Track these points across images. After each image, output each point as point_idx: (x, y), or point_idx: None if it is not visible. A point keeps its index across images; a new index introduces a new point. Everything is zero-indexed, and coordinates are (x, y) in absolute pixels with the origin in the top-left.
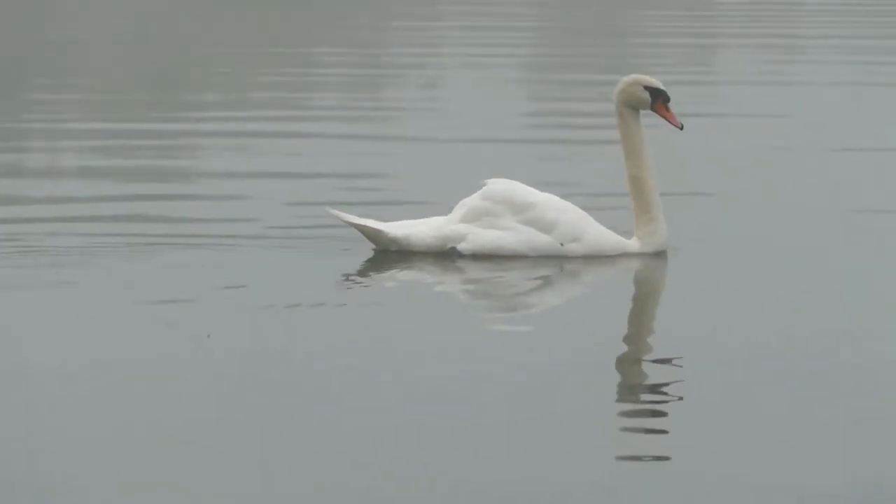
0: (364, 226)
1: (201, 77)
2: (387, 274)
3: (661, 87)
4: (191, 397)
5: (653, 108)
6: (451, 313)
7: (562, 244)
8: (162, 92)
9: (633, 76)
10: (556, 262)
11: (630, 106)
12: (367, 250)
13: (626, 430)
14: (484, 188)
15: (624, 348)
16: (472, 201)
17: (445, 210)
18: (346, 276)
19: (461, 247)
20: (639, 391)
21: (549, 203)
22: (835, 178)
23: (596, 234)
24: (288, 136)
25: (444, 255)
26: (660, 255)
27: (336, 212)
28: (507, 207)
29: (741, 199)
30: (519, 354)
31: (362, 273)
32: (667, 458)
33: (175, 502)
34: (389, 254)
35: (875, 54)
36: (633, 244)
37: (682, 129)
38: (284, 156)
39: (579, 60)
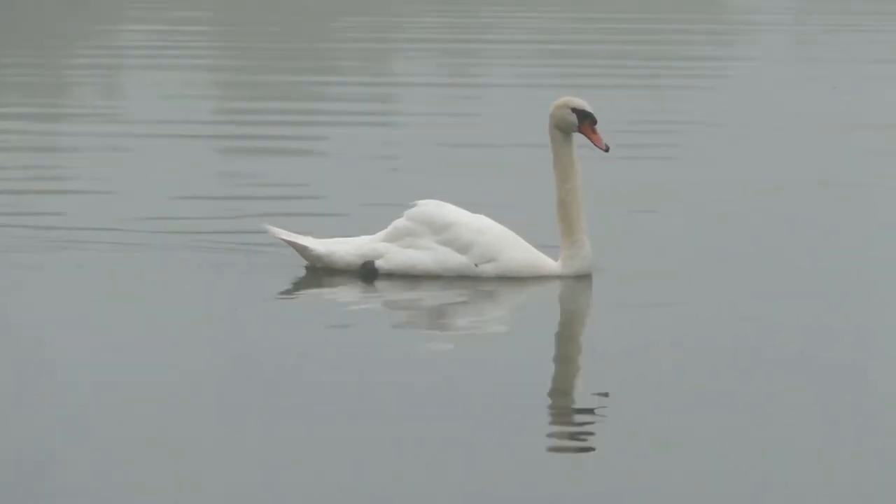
0: (293, 242)
1: None
2: (302, 291)
3: (589, 109)
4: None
5: (579, 130)
6: (363, 335)
7: (476, 265)
8: None
9: (563, 98)
10: (472, 283)
11: (559, 128)
12: (293, 266)
13: (551, 448)
14: (410, 209)
15: (538, 369)
16: (398, 221)
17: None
18: (259, 295)
19: (378, 264)
20: (560, 410)
21: (469, 224)
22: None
23: (513, 256)
24: None
25: (363, 272)
26: (583, 277)
27: (271, 228)
28: (427, 228)
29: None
30: (423, 374)
31: (277, 291)
32: (593, 477)
33: None
34: (313, 271)
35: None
36: (554, 266)
37: (607, 150)
38: None
39: (270, 63)
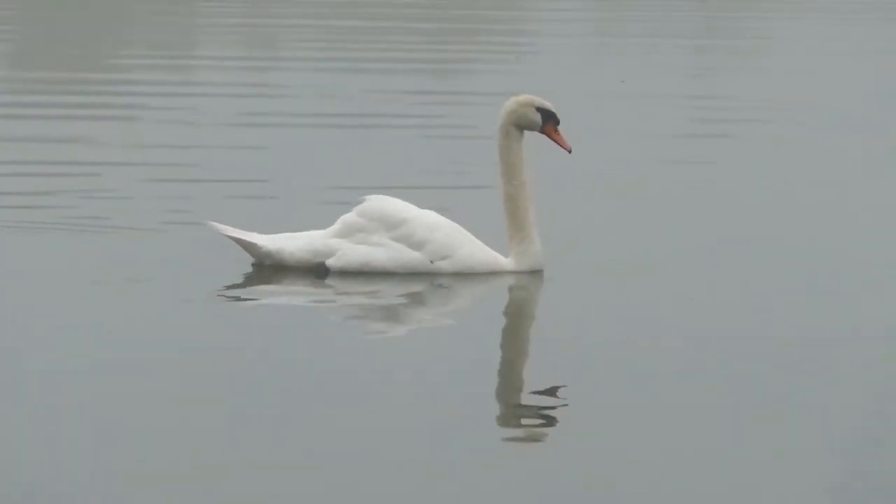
0: (240, 238)
1: None
2: (253, 289)
3: (553, 109)
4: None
5: (542, 131)
6: (319, 330)
7: (431, 261)
8: None
9: (526, 96)
10: (427, 279)
11: (518, 126)
12: (243, 264)
13: (506, 439)
14: (360, 204)
15: (496, 363)
16: (348, 217)
17: None
18: (213, 291)
19: (330, 262)
20: (515, 402)
21: (422, 220)
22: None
23: (467, 252)
24: None
25: (315, 270)
26: (535, 273)
27: (215, 224)
28: (380, 224)
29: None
30: (384, 370)
31: (229, 288)
32: (549, 466)
33: None
34: (261, 268)
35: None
36: (507, 262)
37: (570, 152)
38: None
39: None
